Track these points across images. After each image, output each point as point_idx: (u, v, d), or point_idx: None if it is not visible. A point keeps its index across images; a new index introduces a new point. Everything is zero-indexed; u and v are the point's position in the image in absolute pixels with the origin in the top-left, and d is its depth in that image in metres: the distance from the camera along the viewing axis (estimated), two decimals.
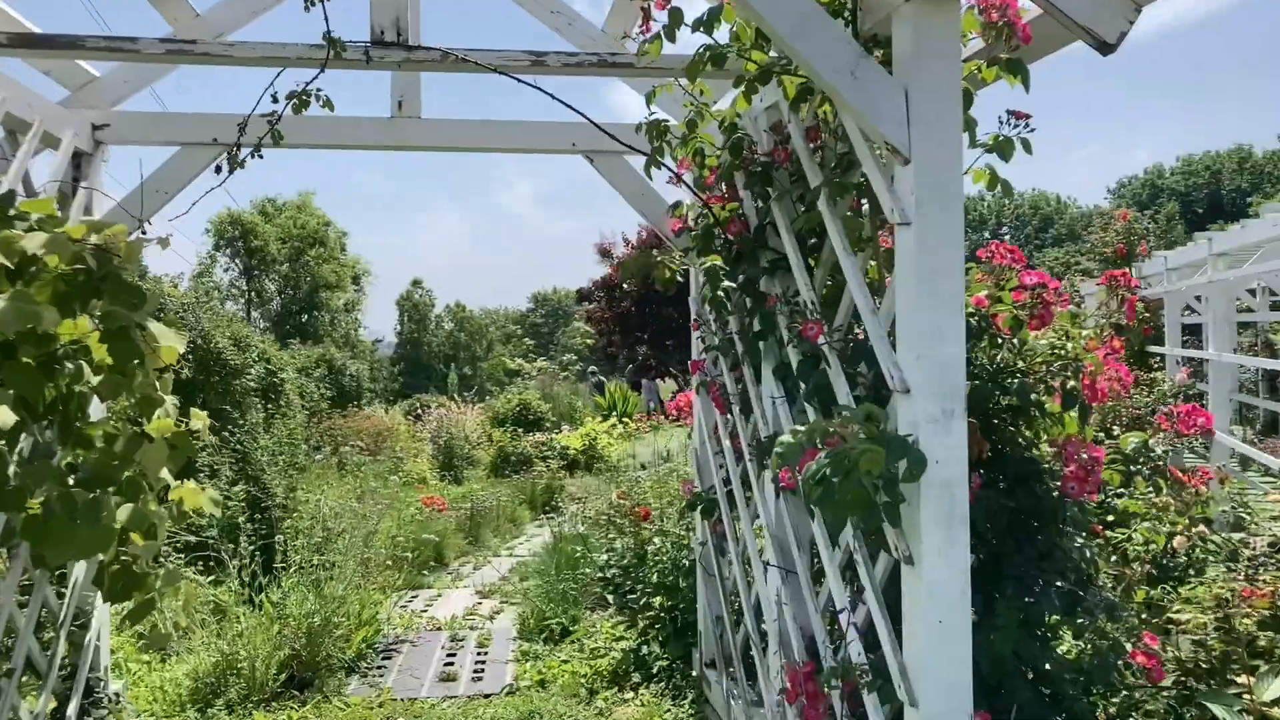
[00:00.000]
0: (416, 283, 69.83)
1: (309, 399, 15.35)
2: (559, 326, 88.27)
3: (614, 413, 21.19)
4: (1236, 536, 5.40)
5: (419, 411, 20.40)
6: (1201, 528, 4.75)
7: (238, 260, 41.82)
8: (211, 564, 6.78)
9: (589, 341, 29.81)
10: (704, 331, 4.93)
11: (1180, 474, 4.06)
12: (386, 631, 6.98)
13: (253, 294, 42.29)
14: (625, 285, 28.45)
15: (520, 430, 16.33)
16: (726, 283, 3.95)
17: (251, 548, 6.67)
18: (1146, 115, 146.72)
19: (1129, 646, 3.32)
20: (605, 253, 30.45)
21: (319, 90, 3.53)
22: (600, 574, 7.53)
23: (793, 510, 3.91)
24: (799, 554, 3.78)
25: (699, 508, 5.02)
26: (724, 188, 4.52)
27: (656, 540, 6.50)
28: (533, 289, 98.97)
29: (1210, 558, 4.94)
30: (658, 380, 28.48)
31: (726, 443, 4.73)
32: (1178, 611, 4.06)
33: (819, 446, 2.80)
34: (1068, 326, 3.54)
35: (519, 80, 3.95)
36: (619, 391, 23.68)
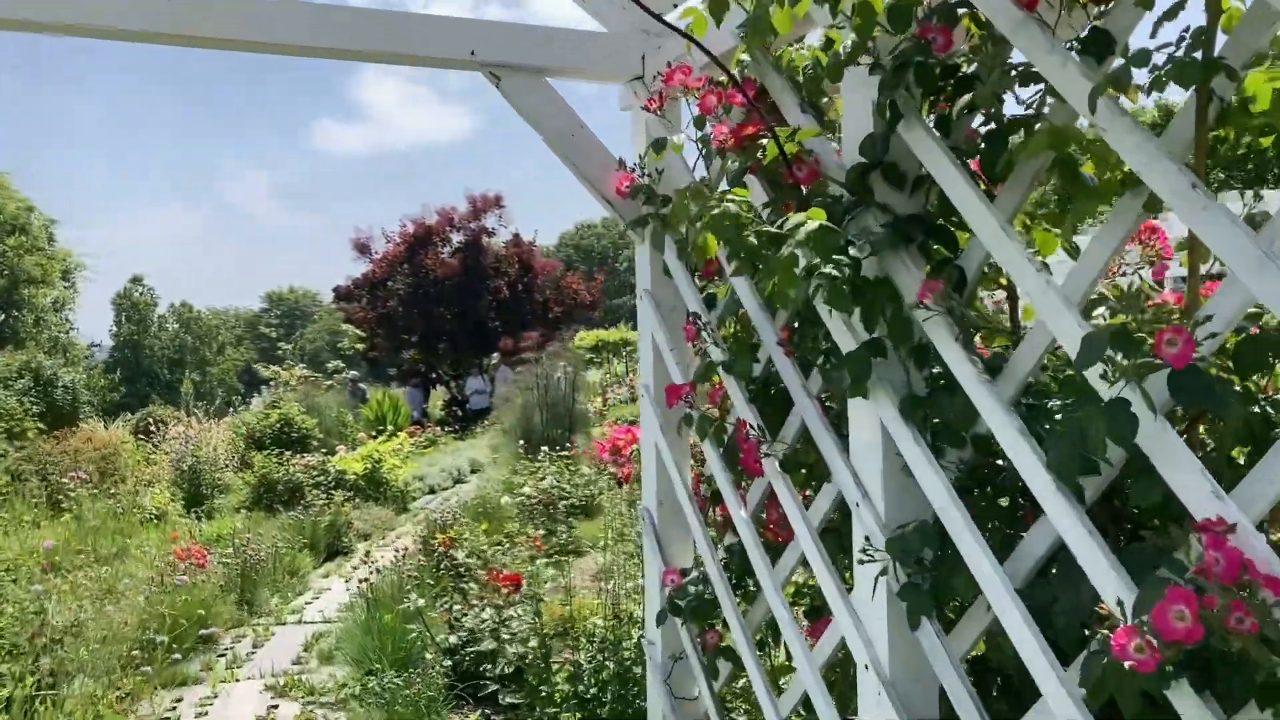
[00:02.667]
0: (137, 279, 63.65)
1: (11, 418, 12.29)
2: (298, 328, 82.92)
3: (385, 425, 18.89)
4: None
5: (151, 428, 17.26)
6: None
7: None
8: None
9: (359, 345, 27.09)
10: (705, 340, 3.23)
11: None
12: None
13: None
14: (389, 283, 26.08)
15: (285, 452, 13.83)
16: (830, 265, 2.25)
17: None
18: None
19: None
20: (363, 248, 27.95)
21: None
22: (448, 660, 5.64)
23: (934, 636, 2.32)
24: (978, 713, 2.18)
25: (690, 609, 3.29)
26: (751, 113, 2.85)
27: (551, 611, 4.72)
28: (267, 288, 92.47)
29: None
30: (431, 388, 26.30)
31: (741, 513, 3.07)
32: None
33: None
34: None
35: None
36: (388, 401, 21.27)
